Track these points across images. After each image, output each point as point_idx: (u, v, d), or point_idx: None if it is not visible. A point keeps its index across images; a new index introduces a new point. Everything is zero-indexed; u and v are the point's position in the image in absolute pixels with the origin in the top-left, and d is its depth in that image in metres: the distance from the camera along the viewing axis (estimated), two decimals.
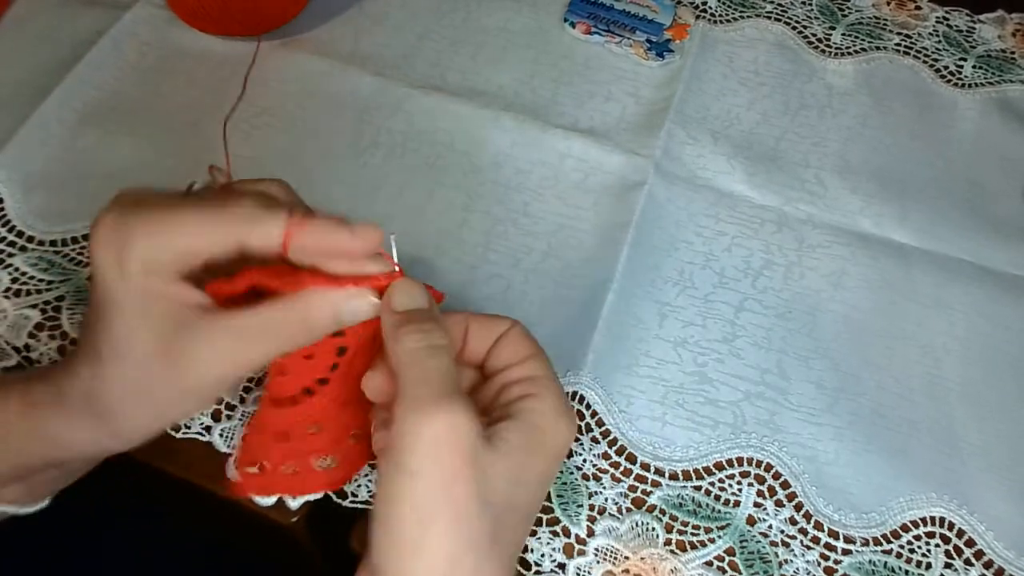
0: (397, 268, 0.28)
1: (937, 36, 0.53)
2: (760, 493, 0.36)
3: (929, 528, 0.36)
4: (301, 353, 0.29)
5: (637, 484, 0.36)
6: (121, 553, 0.47)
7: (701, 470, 0.37)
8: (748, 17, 0.53)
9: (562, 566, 0.34)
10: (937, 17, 0.54)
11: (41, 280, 0.40)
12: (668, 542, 0.35)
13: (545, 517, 0.35)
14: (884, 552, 0.35)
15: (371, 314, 0.28)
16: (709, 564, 0.34)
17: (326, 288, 0.27)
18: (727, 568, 0.34)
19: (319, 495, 0.35)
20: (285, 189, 0.30)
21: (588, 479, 0.36)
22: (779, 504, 0.36)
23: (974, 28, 0.53)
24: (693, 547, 0.35)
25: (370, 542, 0.26)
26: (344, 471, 0.30)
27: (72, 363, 0.28)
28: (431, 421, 0.25)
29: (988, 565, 0.35)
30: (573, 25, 0.52)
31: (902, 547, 0.35)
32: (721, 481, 0.36)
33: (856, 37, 0.52)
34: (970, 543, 0.35)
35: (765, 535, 0.35)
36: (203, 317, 0.27)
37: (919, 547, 0.35)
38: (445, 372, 0.27)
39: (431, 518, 0.25)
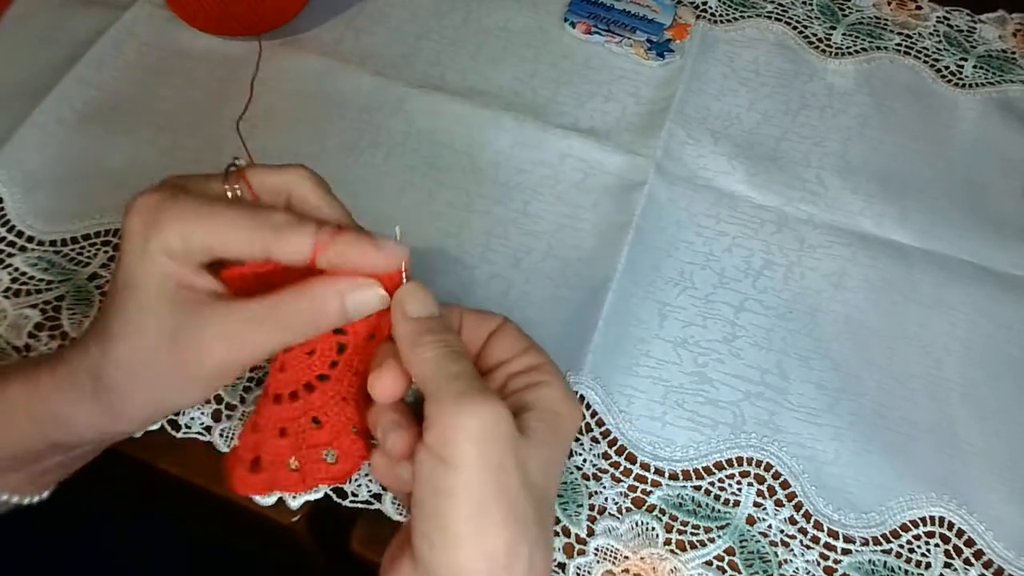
0: (405, 270, 0.29)
1: (938, 36, 0.53)
2: (760, 493, 0.36)
3: (929, 528, 0.36)
4: (302, 349, 0.29)
5: (637, 484, 0.36)
6: (122, 553, 0.47)
7: (701, 470, 0.37)
8: (748, 17, 0.53)
9: (562, 566, 0.34)
10: (938, 17, 0.54)
11: (41, 280, 0.40)
12: (668, 542, 0.35)
13: None
14: (884, 552, 0.35)
15: (378, 306, 0.28)
16: (709, 564, 0.34)
17: (335, 278, 0.28)
18: (727, 568, 0.34)
19: (320, 493, 0.35)
20: (313, 181, 0.31)
21: (588, 479, 0.36)
22: (779, 504, 0.36)
23: (975, 28, 0.53)
24: (693, 547, 0.35)
25: (414, 539, 0.26)
26: (347, 465, 0.30)
27: (83, 340, 0.29)
28: (472, 416, 0.25)
29: (988, 565, 0.35)
30: (573, 25, 0.52)
31: (902, 547, 0.35)
32: (721, 481, 0.37)
33: (857, 37, 0.52)
34: (970, 543, 0.35)
35: (765, 535, 0.35)
36: (215, 303, 0.27)
37: (919, 547, 0.35)
38: (472, 372, 0.27)
39: (485, 510, 0.25)
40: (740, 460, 0.37)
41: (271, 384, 0.30)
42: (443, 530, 0.25)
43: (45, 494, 0.32)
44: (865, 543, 0.35)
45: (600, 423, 0.38)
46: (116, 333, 0.27)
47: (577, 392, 0.38)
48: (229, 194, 0.29)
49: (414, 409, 0.29)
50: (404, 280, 0.29)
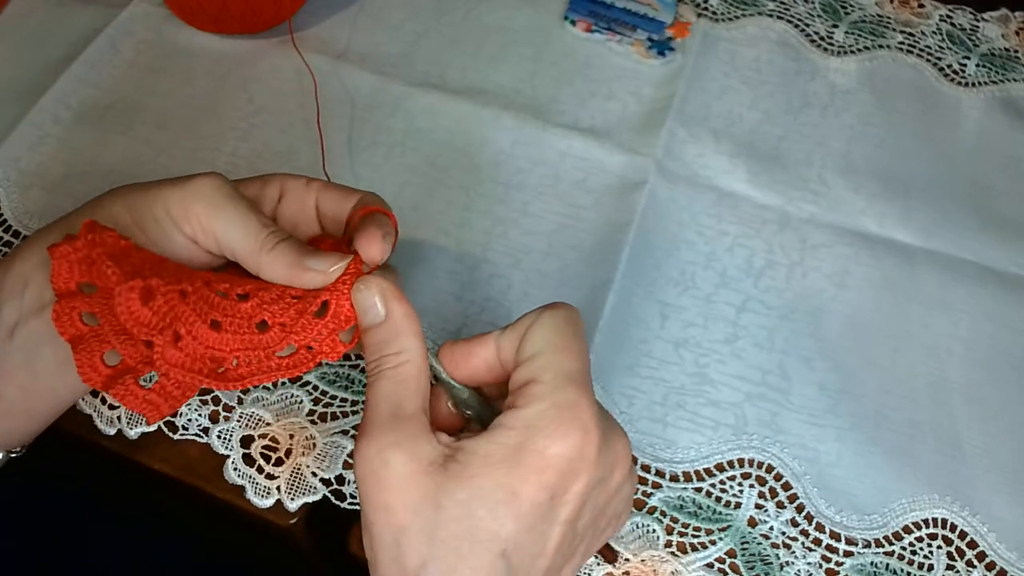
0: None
1: (940, 34, 0.52)
2: (761, 495, 0.36)
3: (931, 530, 0.35)
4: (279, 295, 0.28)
5: (638, 485, 0.36)
6: (119, 554, 0.47)
7: (702, 471, 0.37)
8: (750, 15, 0.53)
9: None
10: (940, 15, 0.53)
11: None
12: (669, 544, 0.35)
13: None
14: (886, 554, 0.35)
15: (331, 268, 0.28)
16: (710, 566, 0.34)
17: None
18: (728, 570, 0.34)
19: (319, 495, 0.34)
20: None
21: None
22: (780, 506, 0.36)
23: (977, 26, 0.53)
24: (694, 549, 0.35)
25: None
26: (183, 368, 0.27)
27: None
28: (361, 455, 0.25)
29: (990, 567, 0.35)
30: (574, 23, 0.51)
31: (904, 549, 0.35)
32: (722, 483, 0.36)
33: (859, 35, 0.52)
34: (972, 545, 0.35)
35: (766, 537, 0.35)
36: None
37: (921, 549, 0.35)
38: (387, 396, 0.26)
39: (374, 546, 0.25)
40: (741, 462, 0.37)
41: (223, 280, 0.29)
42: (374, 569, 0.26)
43: (17, 451, 0.32)
44: (867, 545, 0.35)
45: None
46: None
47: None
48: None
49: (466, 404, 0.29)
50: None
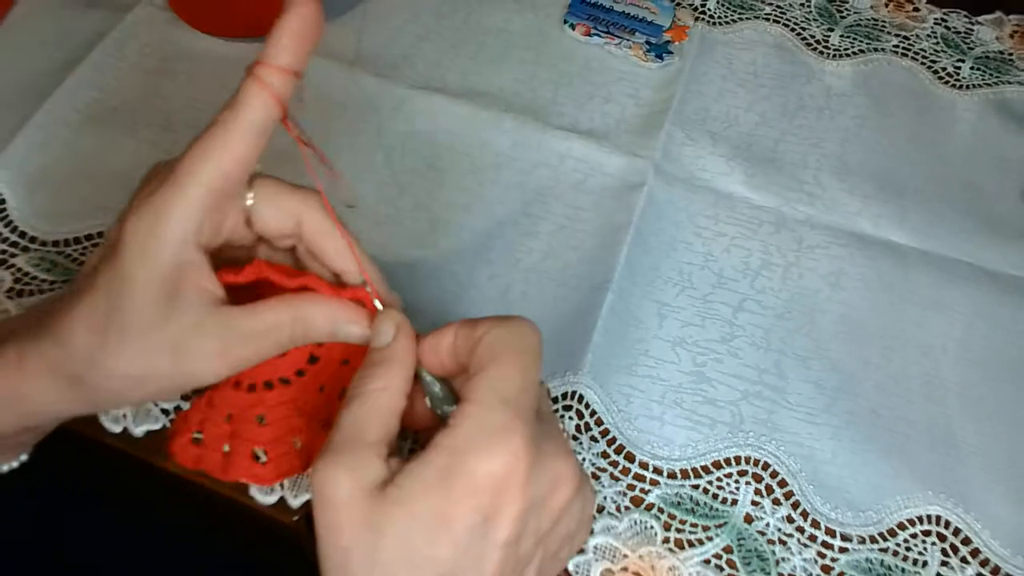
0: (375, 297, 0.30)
1: (935, 37, 0.53)
2: (758, 492, 0.36)
3: (926, 526, 0.36)
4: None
5: (635, 483, 0.36)
6: (120, 551, 0.48)
7: (699, 469, 0.37)
8: (747, 19, 0.53)
9: None
10: (935, 19, 0.54)
11: (43, 280, 0.41)
12: (666, 540, 0.35)
13: None
14: (881, 550, 0.35)
15: (361, 340, 0.29)
16: (707, 562, 0.35)
17: (330, 303, 0.29)
18: (725, 566, 0.35)
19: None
20: (324, 210, 0.30)
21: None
22: (776, 502, 0.36)
23: (972, 29, 0.53)
24: (691, 545, 0.35)
25: None
26: (273, 471, 0.30)
27: (54, 326, 0.27)
28: (315, 472, 0.25)
29: (984, 563, 0.35)
30: (573, 27, 0.52)
31: (899, 545, 0.35)
32: (719, 480, 0.37)
33: (854, 39, 0.53)
34: (966, 541, 0.36)
35: (763, 533, 0.35)
36: (216, 311, 0.27)
37: (915, 545, 0.36)
38: (355, 421, 0.26)
39: (323, 564, 0.25)
40: (738, 459, 0.37)
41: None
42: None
43: (15, 464, 0.32)
44: (862, 541, 0.36)
45: (599, 422, 0.38)
46: (111, 343, 0.26)
47: (576, 393, 0.38)
48: (249, 201, 0.29)
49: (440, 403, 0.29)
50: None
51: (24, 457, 0.33)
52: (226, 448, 0.30)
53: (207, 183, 0.27)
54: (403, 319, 0.29)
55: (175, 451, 0.30)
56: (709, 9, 0.54)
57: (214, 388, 0.30)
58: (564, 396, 0.38)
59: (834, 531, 0.36)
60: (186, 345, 0.27)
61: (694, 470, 0.37)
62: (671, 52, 0.51)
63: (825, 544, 0.35)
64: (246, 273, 0.28)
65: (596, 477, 0.36)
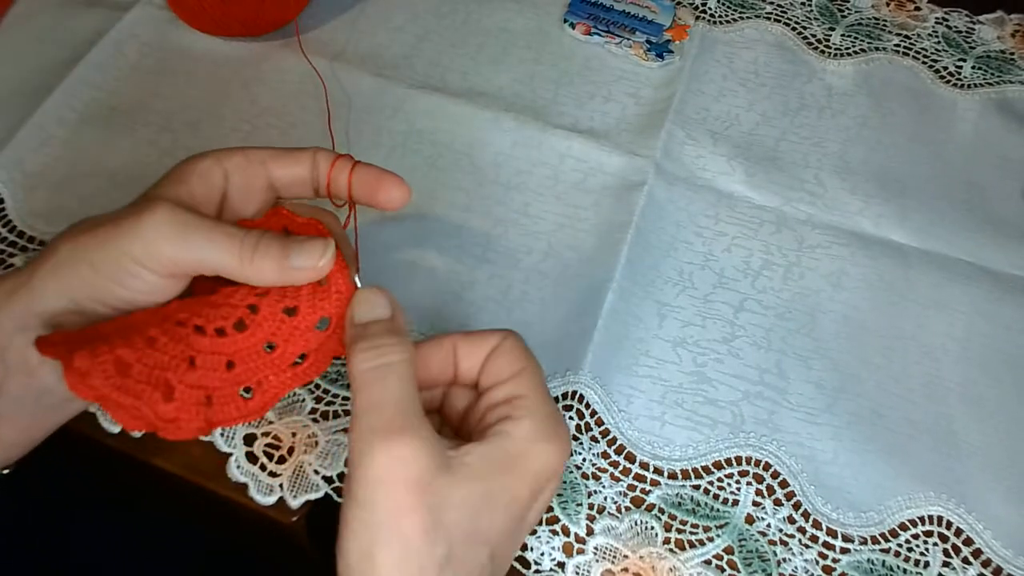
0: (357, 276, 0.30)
1: (936, 37, 0.53)
2: (759, 492, 0.36)
3: (927, 527, 0.36)
4: (212, 302, 0.29)
5: (636, 483, 0.36)
6: (120, 552, 0.47)
7: (700, 469, 0.37)
8: (748, 18, 0.53)
9: (561, 564, 0.34)
10: (936, 18, 0.54)
11: None
12: (667, 541, 0.35)
13: (545, 516, 0.35)
14: (882, 551, 0.35)
15: (319, 262, 0.28)
16: (708, 563, 0.34)
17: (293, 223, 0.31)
18: (726, 567, 0.34)
19: (320, 492, 0.35)
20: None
21: (587, 478, 0.36)
22: (778, 503, 0.36)
23: (973, 29, 0.53)
24: (692, 546, 0.35)
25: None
26: (181, 419, 0.27)
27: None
28: (378, 455, 0.25)
29: (986, 564, 0.35)
30: (573, 26, 0.52)
31: (900, 546, 0.35)
32: (720, 480, 0.37)
33: (855, 38, 0.53)
34: (968, 542, 0.36)
35: (764, 534, 0.35)
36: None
37: (917, 546, 0.35)
38: (398, 396, 0.27)
39: (379, 551, 0.25)
40: (739, 459, 0.37)
41: (170, 305, 0.29)
42: (345, 563, 0.26)
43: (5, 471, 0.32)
44: (864, 542, 0.35)
45: (599, 422, 0.38)
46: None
47: (576, 393, 0.38)
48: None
49: None
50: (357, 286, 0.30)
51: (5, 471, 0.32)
52: (138, 375, 0.27)
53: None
54: (386, 291, 0.30)
55: (79, 366, 0.26)
56: (710, 8, 0.54)
57: (153, 329, 0.28)
58: (564, 396, 0.38)
59: (835, 532, 0.36)
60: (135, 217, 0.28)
61: (695, 470, 0.37)
62: (672, 51, 0.51)
63: (826, 545, 0.35)
64: (261, 220, 0.31)
65: (596, 477, 0.36)
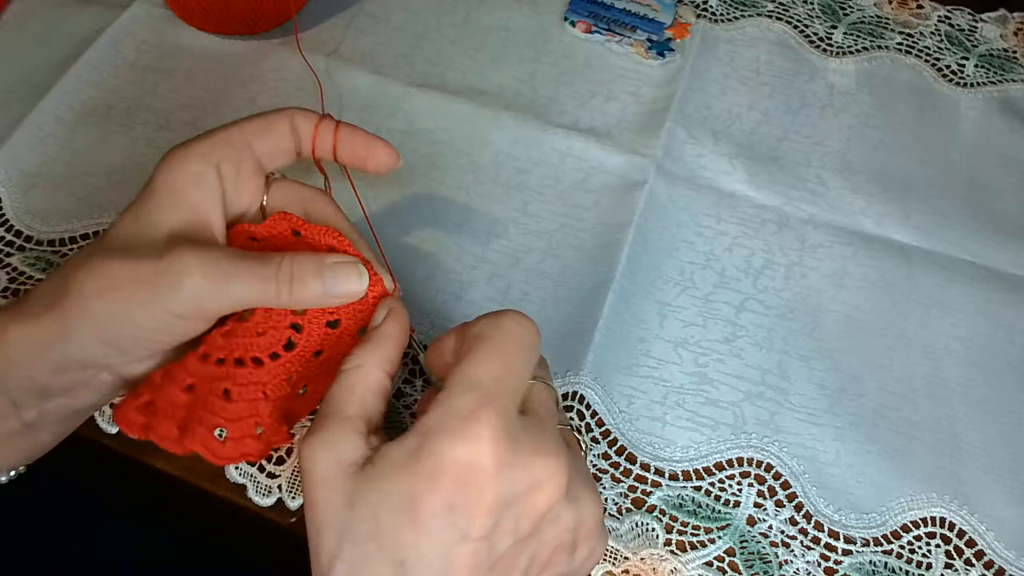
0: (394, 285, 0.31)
1: (939, 35, 0.53)
2: (760, 493, 0.36)
3: (930, 528, 0.36)
4: (255, 327, 0.30)
5: (637, 484, 0.36)
6: (119, 552, 0.47)
7: (701, 470, 0.37)
8: (749, 16, 0.53)
9: None
10: (939, 16, 0.54)
11: (39, 280, 0.40)
12: (668, 542, 0.35)
13: None
14: (884, 552, 0.35)
15: (358, 287, 0.30)
16: (709, 564, 0.34)
17: (321, 255, 0.30)
18: (727, 568, 0.34)
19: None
20: (331, 202, 0.34)
21: None
22: (779, 504, 0.36)
23: (976, 27, 0.53)
24: (693, 547, 0.35)
25: None
26: (233, 449, 0.29)
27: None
28: (299, 450, 0.26)
29: (989, 565, 0.35)
30: (573, 24, 0.51)
31: (902, 547, 0.35)
32: (721, 481, 0.36)
33: (858, 36, 0.52)
34: (971, 543, 0.35)
35: (765, 535, 0.35)
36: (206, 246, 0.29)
37: (920, 547, 0.35)
38: (332, 397, 0.27)
39: (309, 536, 0.26)
40: (740, 461, 0.37)
41: (207, 343, 0.30)
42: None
43: (13, 475, 0.32)
44: (866, 544, 0.35)
45: (600, 423, 0.37)
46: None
47: (577, 393, 0.38)
48: (264, 200, 0.32)
49: None
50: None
51: (22, 469, 0.32)
52: (181, 420, 0.29)
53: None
54: (397, 303, 0.31)
55: (119, 418, 0.29)
56: (711, 6, 0.53)
57: (175, 361, 0.30)
58: (565, 396, 0.38)
59: (837, 533, 0.35)
60: (168, 257, 0.28)
61: (696, 472, 0.37)
62: (673, 49, 0.51)
63: (828, 546, 0.35)
64: (267, 224, 0.31)
65: (597, 479, 0.36)
